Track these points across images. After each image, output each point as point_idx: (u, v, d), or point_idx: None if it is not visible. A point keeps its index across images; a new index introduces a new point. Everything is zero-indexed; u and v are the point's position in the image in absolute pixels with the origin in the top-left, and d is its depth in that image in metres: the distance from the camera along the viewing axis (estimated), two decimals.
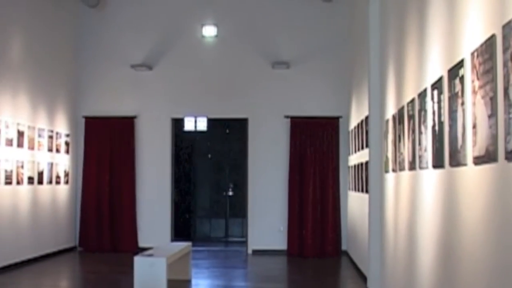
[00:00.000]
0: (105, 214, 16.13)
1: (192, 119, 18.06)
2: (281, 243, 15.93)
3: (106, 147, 16.26)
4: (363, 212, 11.84)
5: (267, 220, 16.06)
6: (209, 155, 20.43)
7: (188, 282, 11.80)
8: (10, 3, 13.22)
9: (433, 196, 6.08)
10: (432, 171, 6.02)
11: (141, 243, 16.03)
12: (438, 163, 5.70)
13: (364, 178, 11.85)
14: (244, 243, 16.85)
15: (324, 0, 15.24)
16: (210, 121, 18.38)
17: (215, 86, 16.36)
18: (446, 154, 5.38)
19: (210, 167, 20.46)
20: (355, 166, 13.64)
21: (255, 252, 16.01)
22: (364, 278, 11.62)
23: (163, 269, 9.82)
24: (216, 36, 16.43)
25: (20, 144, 13.35)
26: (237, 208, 19.53)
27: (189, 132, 19.45)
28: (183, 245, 11.82)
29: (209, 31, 16.41)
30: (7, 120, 12.79)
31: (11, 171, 12.98)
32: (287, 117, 16.02)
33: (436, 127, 5.75)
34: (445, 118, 5.39)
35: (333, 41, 16.15)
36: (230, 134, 20.08)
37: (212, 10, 16.44)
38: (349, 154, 15.34)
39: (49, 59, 15.00)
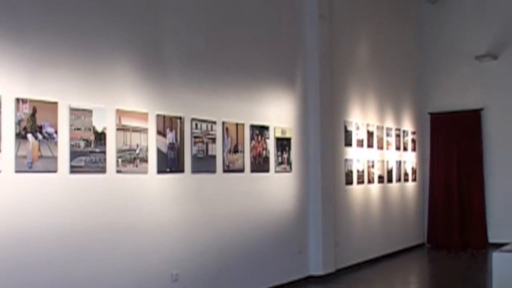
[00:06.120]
0: (454, 210, 15.96)
1: None
2: None
3: (452, 142, 16.10)
4: None
5: None
6: None
7: None
8: (359, 11, 13.61)
9: None
10: None
11: (491, 239, 15.60)
12: None
13: None
14: None
15: None
16: None
17: None
18: None
19: None
20: None
21: None
22: None
23: None
24: None
25: (369, 144, 13.72)
26: None
27: None
28: None
29: None
30: (358, 121, 13.21)
31: (363, 171, 13.39)
32: None
33: None
34: None
35: None
36: None
37: None
38: None
39: (394, 58, 15.18)
